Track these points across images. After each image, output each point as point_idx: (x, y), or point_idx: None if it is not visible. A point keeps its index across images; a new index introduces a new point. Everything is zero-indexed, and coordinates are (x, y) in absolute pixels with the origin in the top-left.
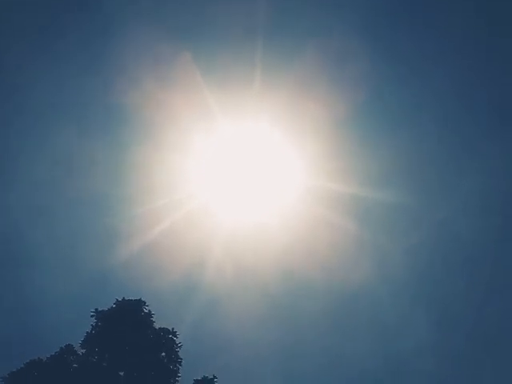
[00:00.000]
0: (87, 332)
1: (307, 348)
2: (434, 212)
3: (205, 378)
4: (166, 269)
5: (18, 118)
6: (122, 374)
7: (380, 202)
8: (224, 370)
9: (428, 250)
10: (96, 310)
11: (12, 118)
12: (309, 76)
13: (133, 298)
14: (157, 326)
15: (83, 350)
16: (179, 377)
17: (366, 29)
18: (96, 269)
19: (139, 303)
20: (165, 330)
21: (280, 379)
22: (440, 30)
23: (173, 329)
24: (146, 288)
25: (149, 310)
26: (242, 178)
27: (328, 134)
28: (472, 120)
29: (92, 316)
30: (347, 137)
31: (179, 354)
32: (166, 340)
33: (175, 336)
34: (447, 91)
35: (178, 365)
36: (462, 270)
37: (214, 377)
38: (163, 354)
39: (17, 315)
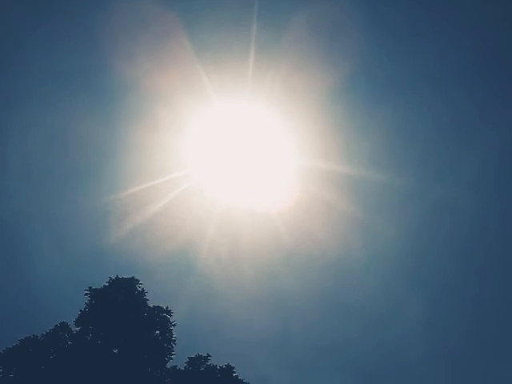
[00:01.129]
0: (81, 310)
1: (302, 332)
2: (428, 192)
3: (199, 356)
4: (161, 248)
5: (10, 97)
6: (116, 351)
7: (373, 181)
8: (217, 350)
9: (421, 231)
10: (90, 287)
11: (4, 97)
12: (302, 52)
13: (126, 276)
14: (151, 304)
15: (78, 328)
16: (173, 355)
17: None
18: (90, 247)
19: (132, 281)
20: (159, 309)
21: (272, 359)
22: (435, 9)
23: (167, 307)
24: (140, 267)
25: (142, 289)
26: (236, 158)
27: (321, 114)
28: (467, 99)
29: (86, 294)
30: (340, 116)
31: (173, 332)
32: (160, 318)
33: (169, 314)
34: (442, 68)
35: (172, 343)
36: (455, 251)
37: (208, 355)
38: (157, 332)
39: (12, 293)
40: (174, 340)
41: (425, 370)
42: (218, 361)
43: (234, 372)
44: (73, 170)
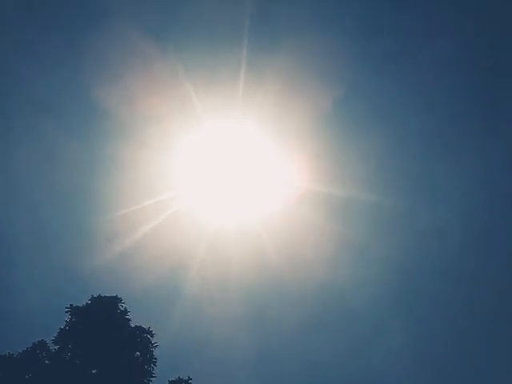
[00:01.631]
0: (61, 328)
1: (286, 352)
2: (418, 215)
3: (180, 380)
4: (149, 270)
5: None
6: (94, 371)
7: (363, 202)
8: (202, 372)
9: (410, 254)
10: (71, 305)
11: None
12: (292, 74)
13: (109, 295)
14: (133, 324)
15: (56, 347)
16: (154, 377)
17: (348, 29)
18: (77, 268)
19: (115, 300)
20: (140, 329)
21: (256, 380)
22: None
23: (149, 328)
24: (127, 289)
25: (125, 308)
26: (226, 179)
27: (311, 135)
28: (458, 123)
29: (67, 312)
30: (331, 137)
31: (154, 353)
32: (141, 339)
33: (151, 335)
34: (433, 92)
35: (152, 365)
36: (443, 275)
37: (189, 378)
38: (138, 353)
39: None
40: (155, 362)
41: None
42: (202, 382)
43: None
44: (60, 190)
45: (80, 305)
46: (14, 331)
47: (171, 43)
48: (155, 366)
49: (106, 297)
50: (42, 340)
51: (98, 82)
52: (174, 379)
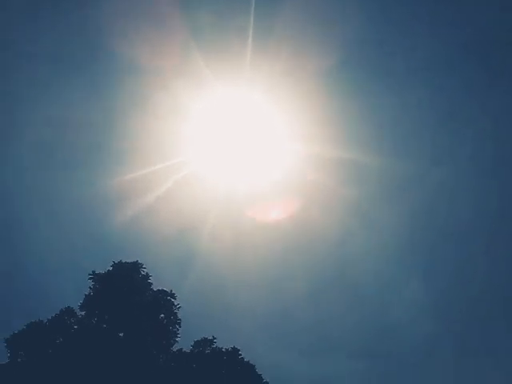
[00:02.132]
0: (85, 294)
1: (302, 314)
2: (428, 175)
3: (204, 339)
4: (163, 232)
5: (11, 76)
6: (121, 335)
7: (373, 166)
8: (221, 331)
9: (421, 214)
10: (93, 272)
11: (8, 77)
12: (300, 36)
13: (129, 261)
14: (155, 287)
15: (83, 312)
16: (179, 337)
17: None
18: (92, 233)
19: (136, 265)
20: (163, 292)
21: (274, 342)
22: None
23: (171, 290)
24: (142, 252)
25: (146, 272)
26: (235, 144)
27: (320, 99)
28: (463, 82)
29: (90, 279)
30: (339, 102)
31: (178, 315)
32: (164, 301)
33: (173, 297)
34: (440, 52)
35: (177, 326)
36: (455, 234)
37: (214, 338)
38: (162, 315)
39: (17, 279)
40: (179, 323)
41: (427, 354)
42: (224, 344)
43: (240, 354)
44: (72, 156)
45: (102, 271)
46: (40, 301)
47: (180, 8)
48: (180, 326)
49: (126, 262)
50: (69, 306)
51: (108, 50)
52: (198, 339)
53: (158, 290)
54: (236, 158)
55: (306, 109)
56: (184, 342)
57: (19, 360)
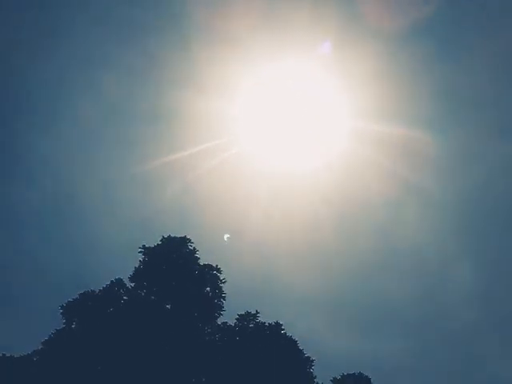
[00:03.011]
0: (135, 267)
1: (350, 290)
2: (489, 152)
3: (248, 313)
4: (209, 210)
5: (63, 61)
6: (168, 307)
7: (430, 142)
8: (267, 307)
9: (480, 194)
10: (143, 246)
11: (58, 62)
12: (356, 9)
13: (178, 236)
14: (201, 262)
15: (132, 284)
16: (223, 311)
17: None
18: (140, 211)
19: (184, 240)
20: (209, 266)
21: (323, 321)
22: None
23: (217, 265)
24: (190, 228)
25: (193, 247)
26: (286, 122)
27: (375, 73)
28: None
29: (140, 252)
30: (395, 76)
31: (223, 289)
32: (210, 275)
33: (219, 272)
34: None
35: (222, 299)
36: (508, 223)
37: (257, 312)
38: (208, 288)
39: (73, 252)
40: (224, 296)
41: (477, 334)
42: (267, 318)
43: (283, 329)
44: (120, 135)
45: (151, 245)
46: (95, 272)
47: None
48: (224, 300)
49: (175, 237)
50: (119, 278)
51: (153, 26)
52: (242, 313)
53: (205, 264)
54: (287, 134)
55: (361, 82)
56: (229, 315)
57: (73, 326)
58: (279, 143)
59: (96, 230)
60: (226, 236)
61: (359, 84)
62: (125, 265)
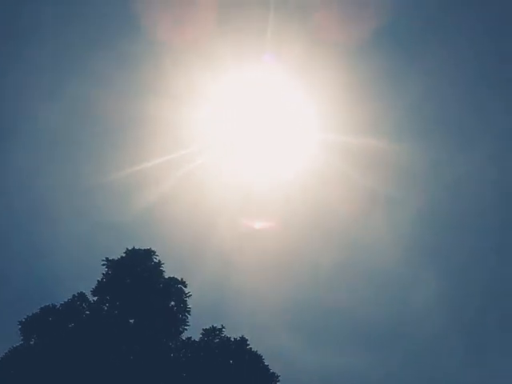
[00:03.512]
0: (98, 280)
1: (316, 301)
2: (453, 163)
3: (213, 328)
4: (179, 221)
5: (29, 65)
6: (132, 321)
7: (397, 153)
8: (233, 321)
9: (444, 204)
10: (107, 258)
11: (24, 65)
12: (325, 13)
13: (143, 248)
14: (166, 275)
15: (95, 298)
16: (188, 325)
17: None
18: (109, 220)
19: (149, 253)
20: (174, 280)
21: (286, 331)
22: None
23: (182, 278)
24: (158, 240)
25: (158, 260)
26: (254, 133)
27: (341, 85)
28: (491, 72)
29: (103, 264)
30: (362, 87)
31: (188, 303)
32: (175, 289)
33: (184, 285)
34: (471, 30)
35: (186, 314)
36: (477, 225)
37: (222, 327)
38: (172, 302)
39: (34, 265)
40: (189, 311)
41: (441, 342)
42: (234, 331)
43: (248, 344)
44: (84, 145)
45: (115, 258)
46: (54, 284)
47: None
48: (189, 314)
49: (139, 249)
50: (82, 292)
51: (124, 30)
52: (207, 328)
53: (169, 277)
54: (256, 144)
55: (329, 96)
56: (195, 330)
57: (31, 343)
58: (246, 154)
59: (61, 239)
60: None
61: (327, 96)
62: (89, 277)
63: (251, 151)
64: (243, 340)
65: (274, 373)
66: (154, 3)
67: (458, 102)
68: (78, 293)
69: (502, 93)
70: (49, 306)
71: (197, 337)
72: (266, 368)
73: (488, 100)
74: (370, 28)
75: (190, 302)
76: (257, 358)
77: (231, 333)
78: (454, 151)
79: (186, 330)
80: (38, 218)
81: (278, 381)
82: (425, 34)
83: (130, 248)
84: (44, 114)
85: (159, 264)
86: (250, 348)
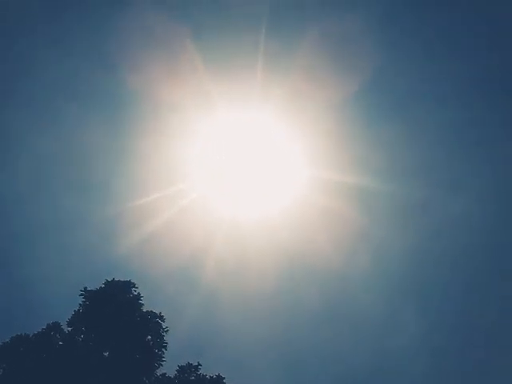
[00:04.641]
0: (74, 310)
1: (300, 343)
2: (438, 205)
3: (189, 365)
4: (166, 260)
5: (20, 99)
6: (106, 354)
7: (382, 192)
8: (216, 360)
9: (428, 245)
10: (85, 288)
11: (11, 103)
12: (312, 62)
13: (122, 279)
14: (145, 309)
15: (70, 329)
16: (164, 361)
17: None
18: (94, 258)
19: (128, 284)
20: (152, 314)
21: (272, 372)
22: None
23: (160, 313)
24: (144, 279)
25: (138, 293)
26: (243, 169)
27: (330, 125)
28: (478, 112)
29: (80, 295)
30: (350, 127)
31: (165, 338)
32: (152, 323)
33: (162, 320)
34: (456, 78)
35: (163, 349)
36: (460, 272)
37: (199, 364)
38: (149, 337)
39: (11, 294)
40: (166, 346)
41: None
42: (216, 370)
43: (224, 383)
44: (77, 179)
45: (94, 289)
46: (32, 315)
47: (189, 31)
48: (165, 350)
49: (119, 281)
50: (56, 322)
51: (116, 73)
52: (183, 364)
53: (147, 311)
54: (244, 183)
55: (317, 134)
56: (171, 365)
57: (0, 373)
58: (236, 190)
59: (41, 273)
60: None
61: (315, 135)
62: (68, 310)
63: (241, 188)
64: (219, 378)
65: None
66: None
67: (449, 143)
68: (52, 322)
69: (491, 138)
70: (21, 335)
71: (172, 374)
72: None
73: (477, 143)
74: (361, 76)
75: (170, 338)
76: None
77: (210, 371)
78: (442, 194)
79: (161, 365)
80: (22, 249)
81: None
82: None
83: (109, 279)
84: (38, 149)
85: (138, 297)
86: None
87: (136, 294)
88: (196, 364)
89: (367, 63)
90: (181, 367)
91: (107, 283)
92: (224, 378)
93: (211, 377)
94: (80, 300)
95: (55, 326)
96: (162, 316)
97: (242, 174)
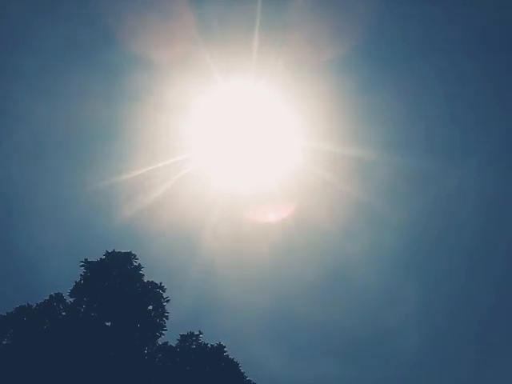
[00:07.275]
0: (76, 281)
1: (297, 313)
2: (441, 176)
3: (191, 334)
4: (164, 230)
5: (15, 68)
6: (108, 324)
7: (383, 164)
8: (215, 329)
9: (429, 219)
10: (85, 260)
11: (14, 70)
12: (308, 27)
13: (123, 251)
14: (146, 279)
15: (72, 299)
16: (165, 330)
17: None
18: (93, 229)
19: (129, 256)
20: (153, 284)
21: (266, 342)
22: None
23: (160, 283)
24: (143, 249)
25: (138, 263)
26: (240, 140)
27: (328, 94)
28: (483, 76)
29: (81, 266)
30: (349, 96)
31: (166, 308)
32: (153, 293)
33: (163, 290)
34: (456, 40)
35: (164, 318)
36: (458, 246)
37: (200, 333)
38: (150, 307)
39: (12, 265)
40: (167, 316)
41: (417, 359)
42: (216, 339)
43: (225, 351)
44: (71, 153)
45: (94, 260)
46: (32, 286)
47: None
48: (167, 319)
49: (119, 252)
50: (59, 293)
51: (113, 42)
52: (185, 333)
53: (148, 281)
54: (241, 154)
55: (314, 105)
56: (172, 335)
57: (4, 343)
58: (233, 161)
59: (39, 245)
60: None
61: (313, 106)
62: (69, 281)
63: (236, 159)
64: (220, 347)
65: (250, 380)
66: (132, 17)
67: (448, 114)
68: (54, 293)
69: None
70: (24, 305)
71: (174, 342)
72: (242, 375)
73: (479, 116)
74: (354, 39)
75: (171, 308)
76: (233, 365)
77: (210, 340)
78: (441, 165)
79: (163, 334)
80: (21, 222)
81: None
82: (408, 47)
83: (109, 251)
84: (31, 120)
85: (139, 267)
86: (227, 355)
87: (136, 264)
88: (197, 333)
89: (363, 22)
90: (182, 336)
91: (108, 254)
92: (224, 346)
93: (212, 345)
94: (81, 271)
95: (57, 297)
96: (163, 286)
97: (239, 145)
